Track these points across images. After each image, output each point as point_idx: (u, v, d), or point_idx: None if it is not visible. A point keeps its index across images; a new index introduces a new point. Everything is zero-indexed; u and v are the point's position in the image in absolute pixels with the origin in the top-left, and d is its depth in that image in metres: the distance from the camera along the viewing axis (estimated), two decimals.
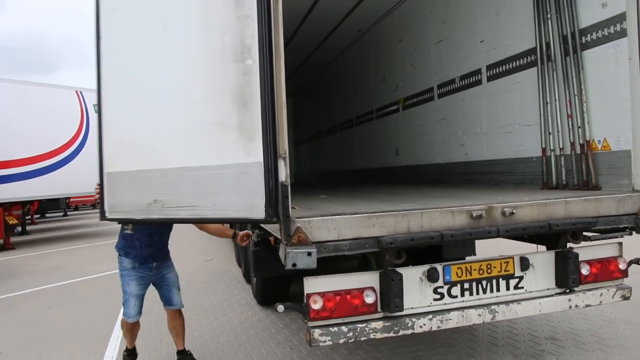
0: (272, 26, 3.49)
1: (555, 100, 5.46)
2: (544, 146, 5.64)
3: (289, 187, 3.60)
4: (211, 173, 3.67)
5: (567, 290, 4.42)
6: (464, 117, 7.26)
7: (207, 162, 3.68)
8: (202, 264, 10.87)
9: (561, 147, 5.43)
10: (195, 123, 3.74)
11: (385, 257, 3.96)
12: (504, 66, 6.32)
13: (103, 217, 4.20)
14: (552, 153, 5.53)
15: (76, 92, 16.84)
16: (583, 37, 5.14)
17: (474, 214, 4.01)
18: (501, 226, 4.06)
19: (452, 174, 7.57)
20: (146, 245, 4.89)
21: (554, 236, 4.46)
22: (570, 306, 4.43)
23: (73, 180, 16.45)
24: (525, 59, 5.92)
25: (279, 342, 5.62)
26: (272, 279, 6.68)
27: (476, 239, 4.16)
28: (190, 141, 3.78)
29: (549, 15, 5.48)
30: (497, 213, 4.09)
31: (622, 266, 4.59)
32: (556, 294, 4.43)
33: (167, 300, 5.12)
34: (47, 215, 28.19)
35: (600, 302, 4.53)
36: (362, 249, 3.88)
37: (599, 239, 4.66)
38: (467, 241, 5.91)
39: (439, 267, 4.15)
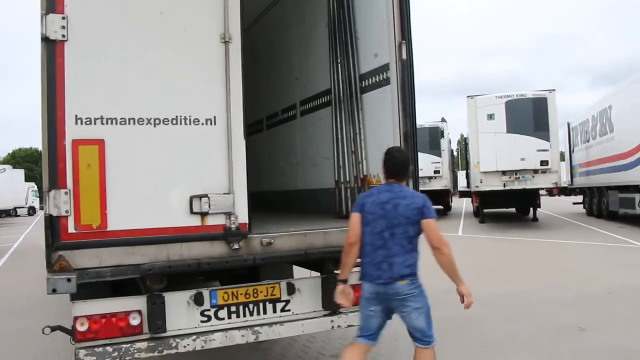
0: None
1: (343, 137, 5.99)
2: (336, 178, 6.15)
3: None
4: None
5: (331, 312, 4.87)
6: (283, 148, 7.72)
7: None
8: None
9: (348, 180, 5.96)
10: None
11: (147, 282, 4.23)
12: (311, 103, 6.84)
13: None
14: (342, 185, 6.05)
15: None
16: (362, 82, 5.72)
17: (232, 245, 4.36)
18: (258, 255, 4.45)
19: (275, 202, 7.99)
20: None
21: (321, 263, 4.92)
22: (332, 327, 4.88)
23: None
24: (325, 97, 6.45)
25: None
26: None
27: (234, 267, 4.51)
28: None
29: (339, 60, 6.03)
30: (255, 243, 4.47)
31: None
32: (323, 315, 4.87)
33: None
34: None
35: None
36: (123, 275, 4.14)
37: None
38: (282, 265, 6.26)
39: (205, 291, 4.46)
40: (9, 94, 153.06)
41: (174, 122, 4.24)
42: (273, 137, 8.14)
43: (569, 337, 6.22)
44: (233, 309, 4.55)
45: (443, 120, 30.48)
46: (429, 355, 4.23)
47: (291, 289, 4.73)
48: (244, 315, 4.58)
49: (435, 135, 25.25)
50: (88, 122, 4.02)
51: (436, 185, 25.02)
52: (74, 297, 4.39)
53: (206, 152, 4.36)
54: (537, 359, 5.51)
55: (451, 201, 31.37)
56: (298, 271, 5.79)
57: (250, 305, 4.61)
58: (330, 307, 4.82)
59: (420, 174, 25.22)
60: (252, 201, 8.58)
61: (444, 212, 28.52)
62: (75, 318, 4.10)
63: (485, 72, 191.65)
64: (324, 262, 4.87)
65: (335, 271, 4.93)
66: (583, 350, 5.80)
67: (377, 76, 5.45)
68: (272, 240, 4.52)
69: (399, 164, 4.30)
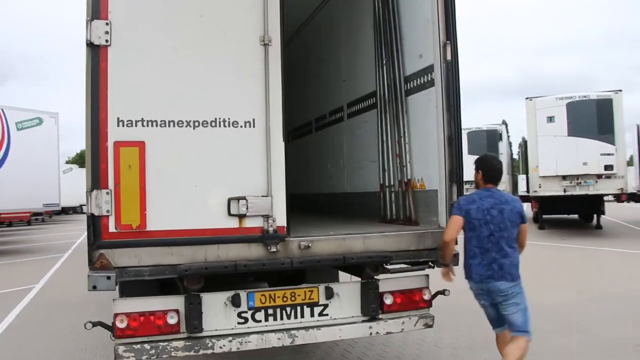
0: None
1: (388, 140, 5.89)
2: (381, 182, 6.06)
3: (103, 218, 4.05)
4: None
5: (370, 318, 4.79)
6: (331, 151, 7.69)
7: None
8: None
9: (392, 183, 5.85)
10: None
11: (184, 282, 4.28)
12: (358, 105, 6.77)
13: None
14: (387, 189, 5.95)
15: None
16: (407, 84, 5.61)
17: (270, 247, 4.35)
18: (296, 258, 4.42)
19: (322, 204, 7.96)
20: None
21: (361, 268, 4.84)
22: (371, 333, 4.79)
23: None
24: (371, 100, 6.37)
25: None
26: None
27: (271, 270, 4.49)
28: None
29: (384, 62, 5.94)
30: (293, 246, 4.45)
31: (426, 297, 4.97)
32: (362, 321, 4.79)
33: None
34: None
35: (402, 329, 4.91)
36: (161, 275, 4.21)
37: (407, 271, 5.09)
38: (328, 268, 6.12)
39: (242, 293, 4.47)
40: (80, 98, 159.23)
41: (213, 124, 4.28)
42: (322, 139, 8.11)
43: (625, 355, 5.89)
44: (270, 311, 4.55)
45: (503, 122, 29.64)
46: (523, 342, 4.55)
47: (329, 294, 4.68)
48: (281, 319, 4.57)
49: (493, 138, 24.68)
50: (129, 125, 4.11)
51: None
52: (124, 294, 4.64)
53: (245, 154, 4.38)
54: None
55: None
56: (346, 276, 5.74)
57: (288, 309, 4.58)
58: (369, 313, 4.75)
59: None
60: (302, 203, 8.67)
61: None
62: (115, 315, 4.21)
63: (547, 70, 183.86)
64: (364, 268, 4.80)
65: (375, 277, 4.86)
66: None
67: (422, 78, 5.33)
68: (310, 244, 4.48)
69: (497, 170, 4.87)
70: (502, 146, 25.27)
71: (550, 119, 18.11)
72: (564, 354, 5.90)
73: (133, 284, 4.77)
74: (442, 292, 5.17)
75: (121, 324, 4.20)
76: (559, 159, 17.73)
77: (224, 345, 4.36)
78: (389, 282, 4.87)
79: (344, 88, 7.21)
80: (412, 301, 4.94)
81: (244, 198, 4.29)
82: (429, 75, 5.19)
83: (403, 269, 5.09)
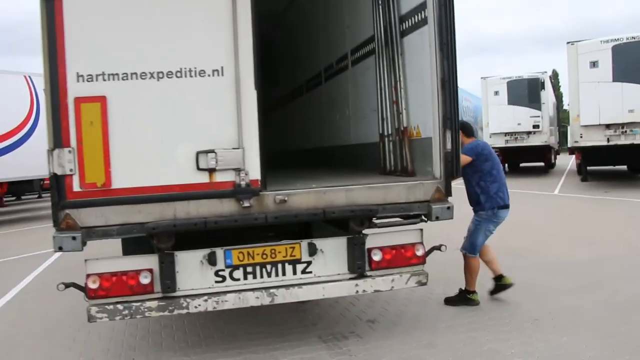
0: None
1: (385, 86, 5.52)
2: (380, 132, 5.71)
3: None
4: None
5: (357, 276, 4.54)
6: (338, 101, 7.36)
7: None
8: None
9: (390, 132, 5.51)
10: None
11: (154, 241, 4.12)
12: (360, 51, 6.39)
13: None
14: (386, 139, 5.61)
15: (25, 77, 16.90)
16: (403, 24, 5.21)
17: (243, 202, 4.12)
18: (270, 213, 4.19)
19: (334, 157, 7.67)
20: None
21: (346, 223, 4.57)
22: (357, 291, 4.57)
23: (35, 163, 16.68)
24: (371, 45, 5.97)
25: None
26: None
27: (243, 226, 4.25)
28: None
29: (380, 2, 5.52)
30: (268, 200, 4.22)
31: (419, 252, 4.68)
32: (348, 279, 4.55)
33: None
34: (22, 197, 28.11)
35: (392, 287, 4.66)
36: (130, 234, 4.08)
37: (399, 225, 4.80)
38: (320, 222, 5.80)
39: (219, 251, 4.30)
40: None
41: (179, 75, 4.04)
42: (330, 89, 7.76)
43: (638, 313, 5.46)
44: (249, 269, 4.37)
45: (554, 73, 28.10)
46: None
47: (313, 250, 4.46)
48: (261, 277, 4.40)
49: (534, 87, 23.33)
50: (90, 79, 3.93)
51: (535, 140, 23.14)
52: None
53: (213, 105, 4.14)
54: (595, 337, 4.84)
55: (554, 158, 29.36)
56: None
57: (268, 266, 4.40)
58: (356, 270, 4.51)
59: (518, 129, 23.84)
60: (314, 157, 8.40)
61: (545, 169, 26.73)
62: (87, 276, 4.13)
63: (607, 16, 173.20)
64: (348, 222, 4.53)
65: (362, 232, 4.59)
66: None
67: (416, 16, 4.92)
68: (286, 198, 4.25)
69: (471, 126, 6.19)
70: (545, 95, 23.89)
71: (594, 64, 16.93)
72: (576, 314, 5.48)
73: (134, 242, 4.67)
74: (438, 248, 4.89)
75: (93, 285, 4.12)
76: (602, 107, 16.64)
77: (199, 305, 4.24)
78: (377, 238, 4.60)
79: (347, 34, 6.81)
80: (404, 257, 4.66)
81: (213, 151, 4.07)
82: (422, 12, 4.78)
83: (394, 223, 4.82)
